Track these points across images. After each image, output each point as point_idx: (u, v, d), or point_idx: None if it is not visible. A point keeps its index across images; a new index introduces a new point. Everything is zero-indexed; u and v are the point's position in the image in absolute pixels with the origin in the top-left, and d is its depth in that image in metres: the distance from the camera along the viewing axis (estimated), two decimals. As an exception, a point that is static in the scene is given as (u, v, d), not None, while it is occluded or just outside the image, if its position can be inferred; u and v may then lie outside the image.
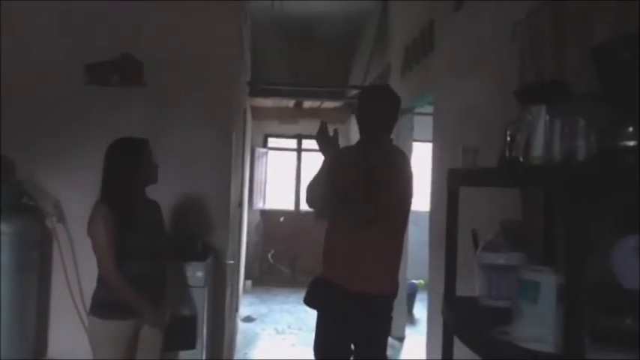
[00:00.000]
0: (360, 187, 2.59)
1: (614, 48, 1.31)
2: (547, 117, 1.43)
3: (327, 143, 2.77)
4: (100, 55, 3.65)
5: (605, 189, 1.26)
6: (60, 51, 3.69)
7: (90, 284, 2.79)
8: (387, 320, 2.76)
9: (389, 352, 4.99)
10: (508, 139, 1.69)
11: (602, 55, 1.35)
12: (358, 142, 2.88)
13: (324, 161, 2.81)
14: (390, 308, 2.75)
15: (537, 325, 1.48)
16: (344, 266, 2.66)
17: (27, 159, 3.58)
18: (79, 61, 3.64)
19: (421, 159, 6.10)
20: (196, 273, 3.32)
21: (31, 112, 3.67)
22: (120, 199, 2.65)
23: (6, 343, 3.23)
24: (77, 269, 3.63)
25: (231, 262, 4.15)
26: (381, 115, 2.76)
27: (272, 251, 8.37)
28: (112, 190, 2.66)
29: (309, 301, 2.80)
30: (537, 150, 1.40)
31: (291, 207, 8.86)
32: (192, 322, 3.24)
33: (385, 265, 2.71)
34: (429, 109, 4.47)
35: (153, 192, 2.82)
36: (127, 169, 2.67)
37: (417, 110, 5.36)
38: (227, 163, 3.90)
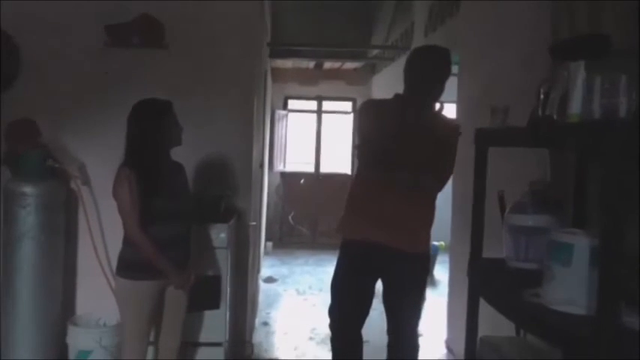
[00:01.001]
0: (432, 156, 2.57)
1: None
2: (585, 73, 1.38)
3: None
4: (120, 17, 3.60)
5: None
6: (79, 13, 3.65)
7: (115, 246, 2.82)
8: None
9: (410, 314, 5.05)
10: (542, 97, 1.64)
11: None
12: (409, 103, 2.70)
13: None
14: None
15: (570, 287, 1.46)
16: (399, 228, 2.65)
17: (51, 122, 3.57)
18: (100, 23, 3.59)
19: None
20: (220, 234, 3.34)
21: (53, 76, 3.65)
22: (144, 162, 2.65)
23: (34, 304, 3.29)
24: (102, 231, 3.66)
25: (254, 223, 4.16)
26: (446, 78, 2.71)
27: (292, 213, 8.41)
28: (136, 152, 2.65)
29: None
30: (575, 107, 1.35)
31: (311, 169, 8.85)
32: (216, 282, 3.28)
33: (429, 227, 2.79)
34: (453, 69, 4.37)
35: (175, 154, 2.81)
36: (150, 131, 2.66)
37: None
38: (249, 125, 3.87)
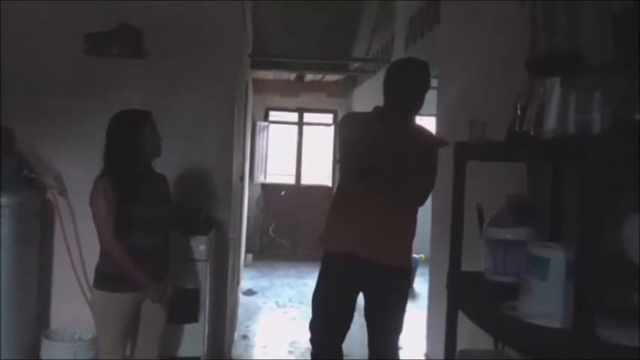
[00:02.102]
0: (412, 169, 2.56)
1: (635, 16, 1.26)
2: (561, 89, 1.40)
3: None
4: (99, 25, 3.57)
5: (620, 163, 1.23)
6: (59, 21, 3.61)
7: (92, 258, 2.78)
8: None
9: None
10: (518, 112, 1.66)
11: (623, 22, 1.30)
12: (389, 116, 2.71)
13: None
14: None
15: (546, 301, 1.47)
16: (380, 241, 2.62)
17: (28, 131, 3.52)
18: (79, 31, 3.56)
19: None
20: (199, 246, 3.31)
21: (31, 84, 3.60)
22: (121, 172, 2.63)
23: (8, 316, 3.22)
24: (79, 242, 3.61)
25: (234, 235, 4.14)
26: (425, 91, 2.72)
27: (273, 225, 8.38)
28: (114, 162, 2.63)
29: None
30: (551, 123, 1.37)
31: (292, 181, 8.83)
32: (195, 295, 3.25)
33: (411, 240, 2.78)
34: (432, 82, 4.41)
35: (154, 164, 2.79)
36: (128, 141, 2.64)
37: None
38: (229, 137, 3.86)
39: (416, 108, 2.72)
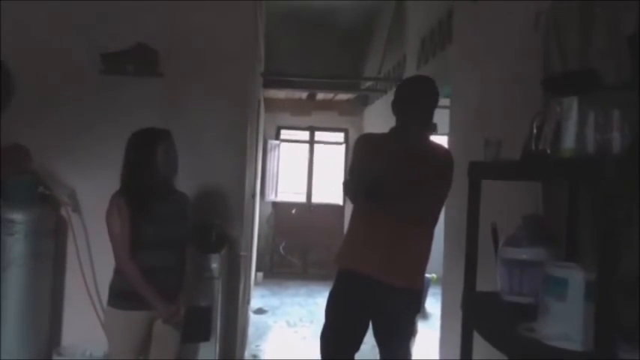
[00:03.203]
0: (418, 184, 2.55)
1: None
2: (578, 108, 1.39)
3: None
4: (115, 45, 3.62)
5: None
6: (75, 40, 3.67)
7: (105, 275, 2.79)
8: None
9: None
10: (534, 131, 1.65)
11: (637, 43, 1.30)
12: (402, 135, 2.72)
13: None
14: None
15: (565, 322, 1.45)
16: (390, 261, 2.61)
17: (43, 148, 3.56)
18: (94, 51, 3.61)
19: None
20: (211, 264, 3.31)
21: (47, 102, 3.65)
22: (137, 190, 2.65)
23: (20, 331, 3.23)
24: (92, 259, 3.62)
25: (245, 253, 4.13)
26: (434, 108, 2.72)
27: (283, 243, 8.37)
28: (130, 180, 2.66)
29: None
30: (569, 142, 1.36)
31: (302, 199, 8.84)
32: (207, 313, 3.23)
33: (423, 262, 2.73)
34: (445, 102, 4.41)
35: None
36: (143, 159, 2.66)
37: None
38: (242, 154, 3.88)
39: (425, 124, 2.72)
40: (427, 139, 2.75)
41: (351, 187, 2.66)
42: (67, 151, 3.65)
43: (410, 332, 2.78)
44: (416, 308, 2.82)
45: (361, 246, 2.67)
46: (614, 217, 1.16)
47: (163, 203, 2.71)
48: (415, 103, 2.68)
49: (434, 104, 2.72)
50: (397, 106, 2.73)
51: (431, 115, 2.71)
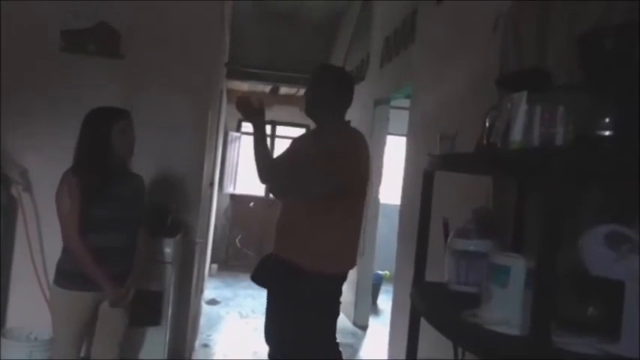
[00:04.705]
0: (316, 166, 2.56)
1: (599, 37, 1.33)
2: (527, 104, 1.45)
3: (252, 113, 2.72)
4: (78, 23, 3.55)
5: (581, 175, 1.28)
6: (35, 15, 3.58)
7: (54, 256, 2.73)
8: (331, 301, 2.72)
9: (351, 340, 5.06)
10: (487, 125, 1.72)
11: (587, 44, 1.37)
12: (314, 129, 2.87)
13: (255, 131, 2.73)
14: (335, 289, 2.72)
15: (506, 308, 1.51)
16: (295, 243, 2.65)
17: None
18: (55, 27, 3.53)
19: (394, 153, 6.16)
20: (165, 248, 3.28)
21: (2, 77, 3.55)
22: (89, 169, 2.59)
23: (-37, 312, 3.15)
24: (41, 240, 3.54)
25: (201, 240, 4.12)
26: (333, 97, 2.75)
27: (240, 236, 8.33)
28: (83, 158, 2.61)
29: (255, 278, 2.77)
30: (517, 135, 1.42)
31: (261, 193, 8.80)
32: (158, 298, 3.22)
33: (336, 244, 2.65)
34: (405, 103, 4.49)
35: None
36: (97, 138, 2.60)
37: (393, 104, 5.38)
38: (202, 141, 3.86)
39: (312, 112, 2.79)
40: (321, 129, 2.81)
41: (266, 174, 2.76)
42: (21, 129, 3.56)
43: (316, 319, 2.67)
44: (326, 295, 2.69)
45: (278, 229, 2.78)
46: (555, 205, 1.22)
47: (117, 184, 2.66)
48: (321, 95, 2.78)
49: (316, 90, 2.78)
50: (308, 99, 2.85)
51: (310, 99, 2.79)
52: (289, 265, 2.62)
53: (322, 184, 2.55)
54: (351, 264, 2.77)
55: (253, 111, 2.70)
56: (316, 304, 2.62)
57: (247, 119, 2.74)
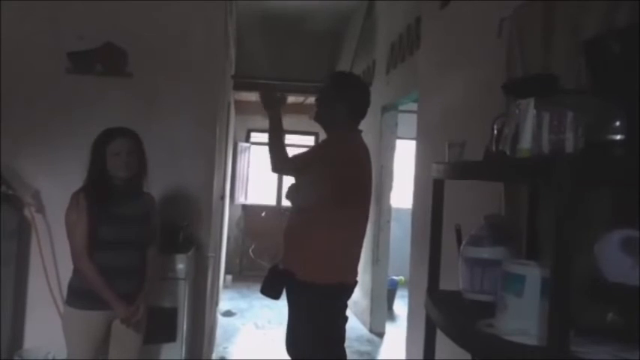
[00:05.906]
0: (315, 171, 2.59)
1: (605, 42, 1.31)
2: (535, 110, 1.44)
3: (271, 99, 2.79)
4: (83, 44, 3.58)
5: (592, 181, 1.26)
6: (42, 38, 3.62)
7: (68, 276, 2.74)
8: (329, 311, 2.67)
9: (369, 348, 5.03)
10: (495, 132, 1.70)
11: (593, 48, 1.35)
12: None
13: (272, 120, 2.82)
14: (331, 298, 2.66)
15: (522, 318, 1.49)
16: (291, 253, 2.68)
17: (7, 147, 3.50)
18: (62, 49, 3.57)
19: (404, 156, 6.14)
20: (177, 265, 3.29)
21: (12, 100, 3.58)
22: (96, 188, 2.63)
23: (-19, 335, 3.17)
24: (55, 261, 3.56)
25: (213, 254, 4.12)
26: (330, 99, 2.75)
27: (253, 246, 8.33)
28: (90, 178, 2.65)
29: (262, 290, 2.75)
30: (525, 142, 1.40)
31: (272, 202, 8.82)
32: (172, 314, 3.22)
33: (328, 255, 2.62)
34: (413, 106, 4.48)
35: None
36: (95, 159, 2.64)
37: (401, 108, 5.37)
38: (211, 156, 3.87)
39: (324, 120, 2.78)
40: (332, 136, 2.81)
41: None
42: (32, 150, 3.60)
43: (312, 330, 2.65)
44: (322, 305, 2.65)
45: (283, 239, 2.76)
46: (566, 214, 1.20)
47: (125, 203, 2.68)
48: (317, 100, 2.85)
49: (327, 97, 2.78)
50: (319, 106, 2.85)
51: (323, 107, 2.78)
52: (287, 274, 2.66)
53: (317, 189, 2.57)
54: (349, 275, 2.74)
55: (274, 102, 2.79)
56: (312, 314, 2.62)
57: (267, 107, 2.82)
